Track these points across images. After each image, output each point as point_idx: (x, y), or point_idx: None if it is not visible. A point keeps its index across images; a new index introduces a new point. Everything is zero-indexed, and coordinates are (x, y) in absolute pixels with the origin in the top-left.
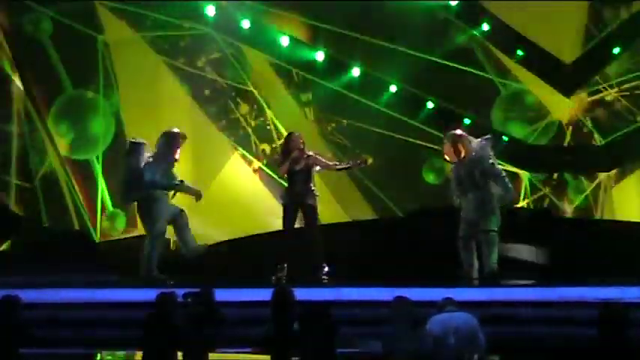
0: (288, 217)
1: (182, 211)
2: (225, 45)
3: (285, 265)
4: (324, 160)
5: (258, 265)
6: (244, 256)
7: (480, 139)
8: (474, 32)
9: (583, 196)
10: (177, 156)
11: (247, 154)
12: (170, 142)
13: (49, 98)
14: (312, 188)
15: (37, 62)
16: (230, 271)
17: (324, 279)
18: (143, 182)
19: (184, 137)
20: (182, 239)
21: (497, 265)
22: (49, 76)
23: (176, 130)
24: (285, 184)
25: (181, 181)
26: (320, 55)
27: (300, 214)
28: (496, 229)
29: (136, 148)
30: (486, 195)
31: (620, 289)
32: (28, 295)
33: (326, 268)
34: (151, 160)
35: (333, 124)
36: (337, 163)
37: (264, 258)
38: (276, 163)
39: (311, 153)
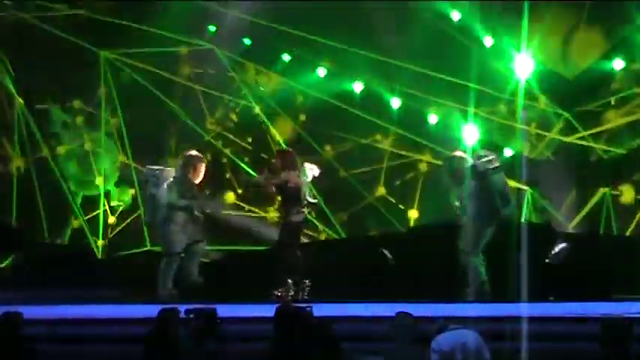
0: (280, 234)
1: (200, 241)
2: (227, 60)
3: (290, 281)
4: (302, 189)
5: (253, 281)
6: (240, 270)
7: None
8: (476, 46)
9: (585, 210)
10: (193, 177)
11: (248, 168)
12: (184, 164)
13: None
14: (301, 205)
15: (39, 79)
16: (230, 285)
17: (305, 296)
18: (159, 206)
19: (198, 159)
20: (186, 267)
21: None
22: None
23: (191, 152)
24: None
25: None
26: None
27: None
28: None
29: (151, 174)
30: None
31: (623, 304)
32: (29, 311)
33: (307, 283)
34: (170, 183)
35: (333, 139)
36: (309, 200)
37: (259, 273)
38: (267, 178)
39: (297, 171)
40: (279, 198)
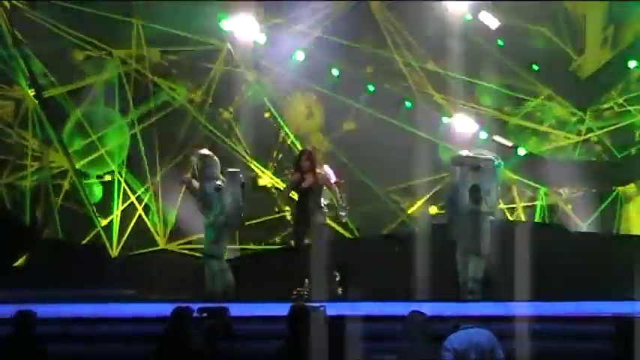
0: (297, 233)
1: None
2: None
3: (307, 281)
4: (329, 181)
5: (270, 280)
6: (257, 271)
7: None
8: (490, 47)
9: (599, 210)
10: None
11: (261, 168)
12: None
13: (64, 114)
14: (322, 205)
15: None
16: (244, 285)
17: (338, 290)
18: None
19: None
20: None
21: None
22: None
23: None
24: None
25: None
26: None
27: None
28: None
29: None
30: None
31: (635, 304)
32: (43, 310)
33: (337, 278)
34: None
35: (345, 137)
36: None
37: (273, 273)
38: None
39: (320, 171)
40: (295, 197)
